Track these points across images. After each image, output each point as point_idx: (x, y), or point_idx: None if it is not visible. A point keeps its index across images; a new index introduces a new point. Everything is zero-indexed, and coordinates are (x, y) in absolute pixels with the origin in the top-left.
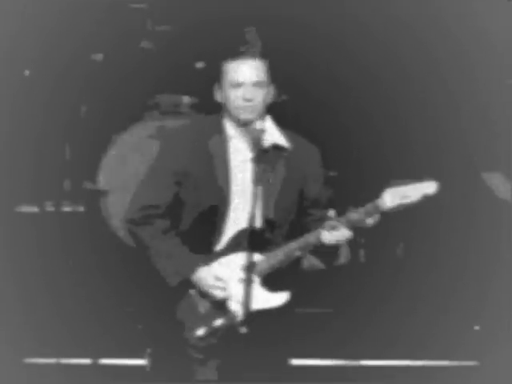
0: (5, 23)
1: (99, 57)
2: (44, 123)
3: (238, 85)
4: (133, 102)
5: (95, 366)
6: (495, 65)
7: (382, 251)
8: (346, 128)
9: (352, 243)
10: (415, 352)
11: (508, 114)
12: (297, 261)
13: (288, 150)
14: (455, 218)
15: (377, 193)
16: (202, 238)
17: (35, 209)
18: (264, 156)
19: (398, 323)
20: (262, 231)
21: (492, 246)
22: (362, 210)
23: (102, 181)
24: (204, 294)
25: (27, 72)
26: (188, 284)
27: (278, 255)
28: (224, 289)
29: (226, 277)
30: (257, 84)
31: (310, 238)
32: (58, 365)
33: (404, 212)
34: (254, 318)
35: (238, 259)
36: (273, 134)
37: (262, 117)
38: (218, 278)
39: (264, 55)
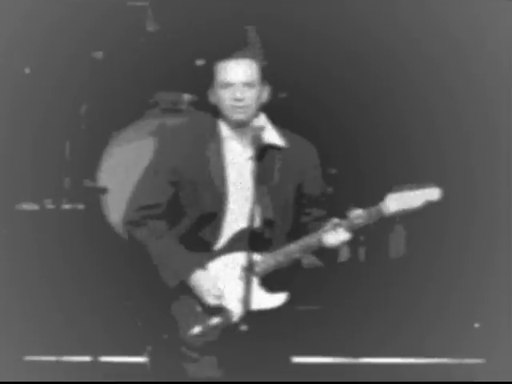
0: (5, 21)
1: (99, 55)
2: (44, 121)
3: (228, 85)
4: (133, 99)
5: (95, 364)
6: (495, 65)
7: (383, 249)
8: (346, 125)
9: (352, 241)
10: (415, 350)
11: (508, 114)
12: (296, 260)
13: (284, 149)
14: (455, 216)
15: (377, 190)
16: (201, 239)
17: (35, 206)
18: (260, 155)
19: (398, 321)
20: (261, 231)
21: (491, 244)
22: (364, 214)
23: (102, 178)
24: (199, 298)
25: (27, 70)
26: (188, 286)
27: (278, 256)
28: (219, 297)
29: (223, 281)
30: (247, 84)
31: (310, 241)
32: (58, 362)
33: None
34: (254, 315)
35: (237, 259)
36: (269, 133)
37: (255, 116)
38: (213, 285)
39: (265, 55)
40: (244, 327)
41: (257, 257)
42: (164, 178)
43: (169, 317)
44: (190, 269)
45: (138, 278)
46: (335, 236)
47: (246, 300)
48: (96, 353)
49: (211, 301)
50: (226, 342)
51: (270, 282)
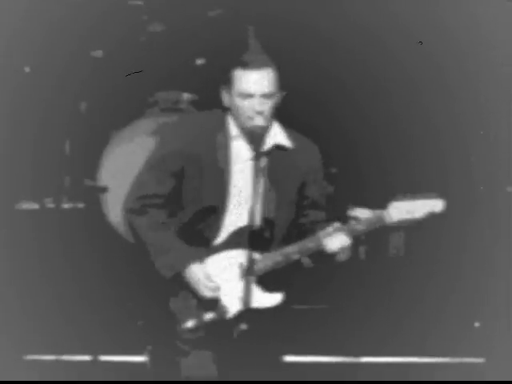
0: (5, 20)
1: (99, 53)
2: (44, 120)
3: (248, 96)
4: (133, 98)
5: (95, 363)
6: (495, 65)
7: (383, 248)
8: (346, 125)
9: (352, 240)
10: (415, 349)
11: (508, 114)
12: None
13: (289, 150)
14: (455, 216)
15: (377, 190)
16: (201, 233)
17: (35, 205)
18: (265, 155)
19: (398, 320)
20: (261, 230)
21: (491, 244)
22: (365, 221)
23: (102, 178)
24: (195, 291)
25: (27, 69)
26: (183, 279)
27: (276, 257)
28: (214, 289)
29: (219, 275)
30: (266, 96)
31: (310, 244)
32: (58, 361)
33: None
34: (252, 315)
35: (235, 256)
36: (276, 134)
37: (270, 122)
38: (209, 278)
39: (272, 60)
40: (243, 326)
41: (255, 256)
42: (168, 169)
43: (170, 316)
44: (187, 261)
45: (138, 278)
46: (335, 240)
47: (246, 298)
48: (96, 352)
49: (207, 293)
50: (221, 341)
51: (269, 281)
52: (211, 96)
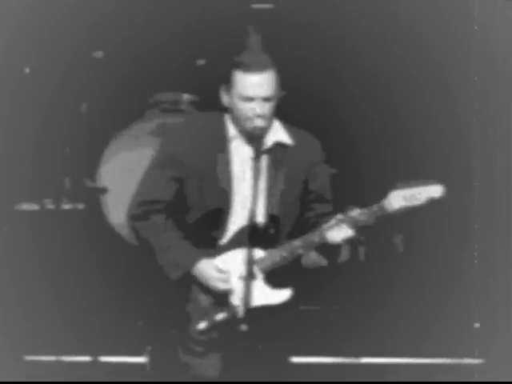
0: (5, 21)
1: (99, 54)
2: (44, 121)
3: (248, 99)
4: (133, 99)
5: (95, 364)
6: (495, 65)
7: (383, 249)
8: (346, 124)
9: (352, 241)
10: (415, 350)
11: (508, 114)
12: (299, 258)
13: (291, 146)
14: (455, 216)
15: (377, 190)
16: (206, 234)
17: (35, 207)
18: (266, 153)
19: (397, 321)
20: (265, 227)
21: (491, 244)
22: (367, 211)
23: (102, 178)
24: (206, 288)
25: (27, 70)
26: (190, 279)
27: (281, 252)
28: (226, 280)
29: (228, 270)
30: (267, 99)
31: (314, 237)
32: (58, 362)
33: (406, 211)
34: (255, 315)
35: (241, 255)
36: (277, 131)
37: (270, 122)
38: (219, 270)
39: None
40: (244, 327)
41: (261, 253)
42: (168, 173)
43: (170, 317)
44: (194, 258)
45: (138, 278)
46: (338, 232)
47: (247, 297)
48: (96, 353)
49: (220, 286)
50: (225, 342)
51: (273, 280)
52: (211, 97)
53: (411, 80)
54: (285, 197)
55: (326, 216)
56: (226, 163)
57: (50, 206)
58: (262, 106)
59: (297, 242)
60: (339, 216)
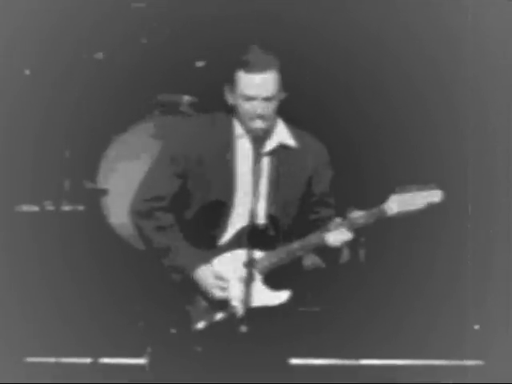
0: (5, 22)
1: (99, 56)
2: (44, 123)
3: (250, 98)
4: (133, 101)
5: (95, 365)
6: (495, 65)
7: (382, 250)
8: (346, 125)
9: (352, 243)
10: (415, 351)
11: (508, 114)
12: (298, 260)
13: (295, 149)
14: (454, 218)
15: (377, 191)
16: (207, 233)
17: (35, 208)
18: (268, 155)
19: (397, 322)
20: (265, 228)
21: (491, 246)
22: (366, 214)
23: (102, 180)
24: (204, 293)
25: (27, 71)
26: (190, 282)
27: (280, 254)
28: (224, 289)
29: (227, 275)
30: (268, 99)
31: (313, 239)
32: (59, 364)
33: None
34: (254, 316)
35: (241, 255)
36: (281, 133)
37: (273, 122)
38: (218, 277)
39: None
40: (243, 329)
41: (259, 254)
42: (173, 170)
43: (170, 318)
44: (195, 263)
45: (138, 280)
46: (338, 235)
47: (247, 298)
48: (96, 354)
49: (217, 293)
50: (223, 344)
51: (272, 281)
52: (211, 98)
53: (411, 80)
54: (286, 198)
55: (329, 219)
56: (231, 161)
57: (50, 208)
58: (263, 106)
59: (296, 245)
60: (338, 219)
